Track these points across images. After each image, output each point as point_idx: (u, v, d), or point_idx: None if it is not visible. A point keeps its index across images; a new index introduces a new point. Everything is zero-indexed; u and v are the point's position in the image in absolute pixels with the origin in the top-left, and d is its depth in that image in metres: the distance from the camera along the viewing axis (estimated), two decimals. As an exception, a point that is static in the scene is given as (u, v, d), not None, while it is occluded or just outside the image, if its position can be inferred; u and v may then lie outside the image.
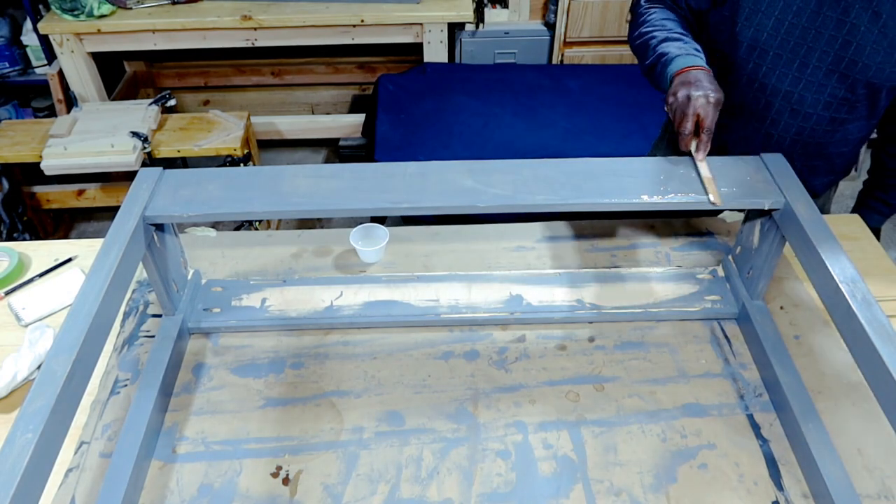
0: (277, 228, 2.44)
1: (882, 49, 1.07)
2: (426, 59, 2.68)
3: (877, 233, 1.40)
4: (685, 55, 1.08)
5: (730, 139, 1.29)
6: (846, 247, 0.89)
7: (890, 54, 1.07)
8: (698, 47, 1.12)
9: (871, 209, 1.38)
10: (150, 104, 2.40)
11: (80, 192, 2.58)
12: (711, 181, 1.00)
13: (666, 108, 1.06)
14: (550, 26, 2.76)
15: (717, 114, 1.02)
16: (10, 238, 2.45)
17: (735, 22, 1.14)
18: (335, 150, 3.12)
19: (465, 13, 2.54)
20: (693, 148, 1.04)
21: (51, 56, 2.57)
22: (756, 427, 0.98)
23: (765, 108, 1.20)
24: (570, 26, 2.68)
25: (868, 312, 0.80)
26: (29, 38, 2.57)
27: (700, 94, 1.01)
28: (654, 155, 1.52)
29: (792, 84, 1.15)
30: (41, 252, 1.32)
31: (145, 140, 2.25)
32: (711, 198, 0.98)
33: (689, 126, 1.01)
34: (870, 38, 1.06)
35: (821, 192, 1.36)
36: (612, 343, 1.11)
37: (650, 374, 1.06)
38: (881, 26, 1.05)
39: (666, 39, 1.12)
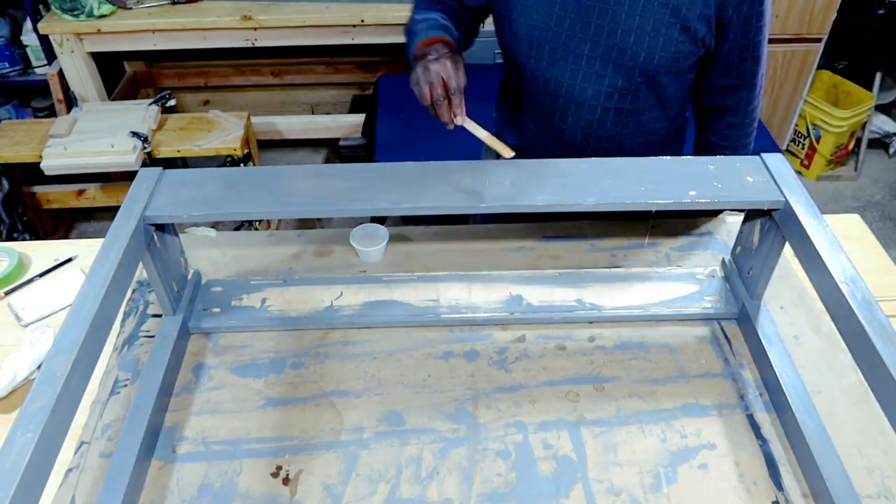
0: (277, 228, 2.45)
1: (646, 34, 1.06)
2: (426, 59, 2.68)
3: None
4: (427, 31, 1.05)
5: (526, 138, 1.29)
6: (846, 247, 0.89)
7: (654, 38, 1.06)
8: (450, 26, 1.08)
9: None
10: (150, 104, 2.41)
11: (80, 192, 2.58)
12: (491, 137, 0.98)
13: (413, 89, 1.00)
14: (550, 26, 2.76)
15: (459, 72, 0.98)
16: (10, 238, 2.45)
17: (511, 19, 1.14)
18: (335, 150, 3.12)
19: (465, 13, 2.54)
20: (454, 117, 0.99)
21: (51, 56, 2.57)
22: (756, 427, 0.98)
23: (552, 102, 1.19)
24: (570, 26, 2.68)
25: (868, 312, 0.80)
26: (29, 38, 2.57)
27: (433, 58, 0.98)
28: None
29: (572, 77, 1.14)
30: (41, 252, 1.32)
31: (145, 140, 2.25)
32: (504, 153, 0.97)
33: (439, 91, 0.96)
34: (632, 23, 1.06)
35: None
36: (612, 343, 1.11)
37: (650, 374, 1.06)
38: (640, 10, 1.05)
39: (423, 22, 1.08)
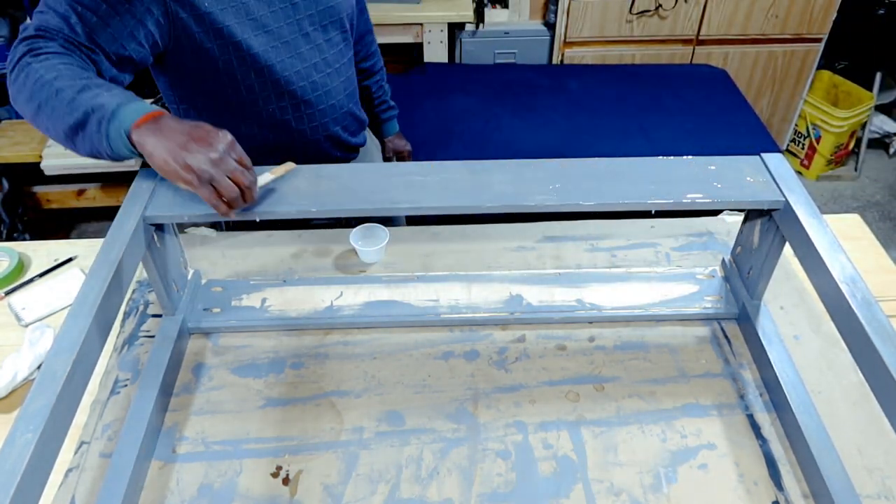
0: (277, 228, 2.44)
1: None
2: (426, 59, 2.68)
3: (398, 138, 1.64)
4: (127, 102, 0.87)
5: (287, 138, 1.28)
6: (846, 247, 0.89)
7: None
8: (128, 92, 0.91)
9: (390, 119, 1.61)
10: (151, 104, 2.40)
11: (80, 192, 2.58)
12: (276, 170, 0.97)
13: (167, 176, 0.87)
14: (550, 26, 2.76)
15: (235, 154, 0.87)
16: (10, 238, 2.45)
17: (229, 32, 1.08)
18: (335, 150, 3.11)
19: (465, 13, 2.54)
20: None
21: (51, 56, 2.56)
22: (756, 427, 0.98)
23: (303, 86, 1.21)
24: (570, 26, 2.69)
25: (868, 312, 0.80)
26: (29, 38, 2.57)
27: (210, 150, 0.84)
28: None
29: (312, 54, 1.20)
30: (41, 252, 1.32)
31: (145, 140, 2.24)
32: (287, 169, 0.99)
33: (232, 192, 0.86)
34: None
35: (362, 145, 1.45)
36: (612, 343, 1.11)
37: (650, 374, 1.06)
38: None
39: (85, 88, 0.86)
